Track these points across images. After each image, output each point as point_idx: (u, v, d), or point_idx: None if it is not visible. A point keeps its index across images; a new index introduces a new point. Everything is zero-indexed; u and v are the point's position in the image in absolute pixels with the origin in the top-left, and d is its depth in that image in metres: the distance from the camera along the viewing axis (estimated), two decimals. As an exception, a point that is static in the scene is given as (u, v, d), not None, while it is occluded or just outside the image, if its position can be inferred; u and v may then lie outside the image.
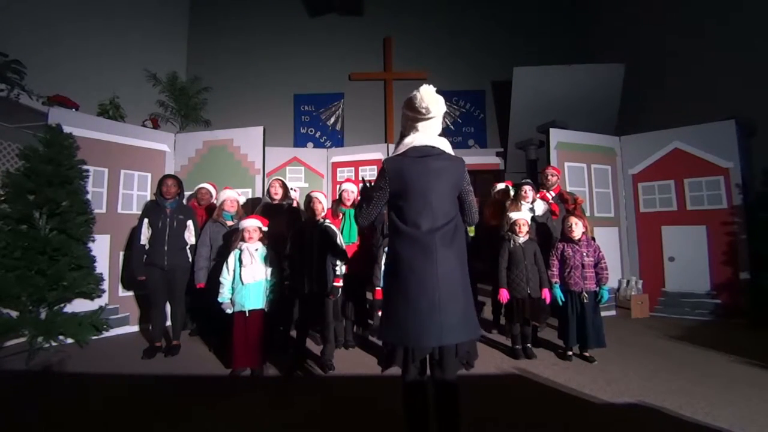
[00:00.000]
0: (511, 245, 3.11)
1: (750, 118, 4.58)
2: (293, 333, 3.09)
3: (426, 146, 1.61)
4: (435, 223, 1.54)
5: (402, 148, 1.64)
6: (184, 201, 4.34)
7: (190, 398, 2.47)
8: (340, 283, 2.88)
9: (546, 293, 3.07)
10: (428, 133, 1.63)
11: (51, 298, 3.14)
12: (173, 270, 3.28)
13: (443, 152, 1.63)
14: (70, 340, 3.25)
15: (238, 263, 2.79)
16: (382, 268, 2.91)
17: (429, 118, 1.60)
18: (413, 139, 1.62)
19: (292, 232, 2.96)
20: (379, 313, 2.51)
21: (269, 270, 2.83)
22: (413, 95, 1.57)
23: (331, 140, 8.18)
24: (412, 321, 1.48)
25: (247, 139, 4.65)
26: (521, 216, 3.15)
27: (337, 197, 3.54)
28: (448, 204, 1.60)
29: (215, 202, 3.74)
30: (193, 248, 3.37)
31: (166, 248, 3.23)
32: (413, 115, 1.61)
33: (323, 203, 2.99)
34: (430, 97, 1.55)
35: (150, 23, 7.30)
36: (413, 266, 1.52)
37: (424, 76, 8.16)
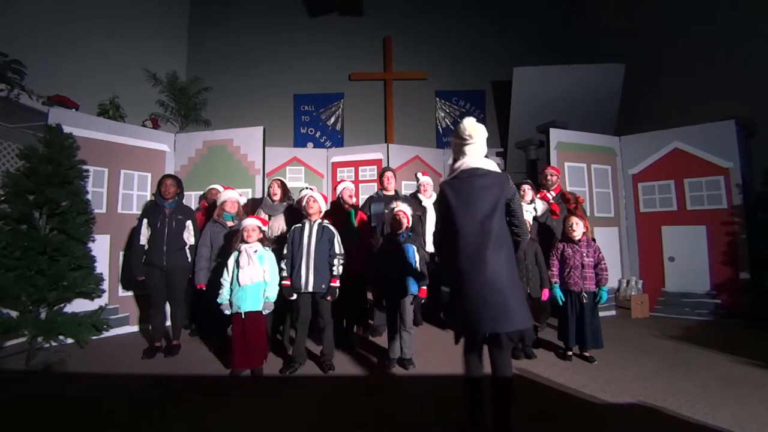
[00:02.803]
0: (512, 245, 3.11)
1: (750, 118, 4.58)
2: (292, 333, 3.09)
3: (473, 168, 1.92)
4: (483, 232, 1.82)
5: (454, 172, 1.98)
6: (193, 200, 4.35)
7: (190, 398, 2.47)
8: (338, 284, 2.89)
9: (545, 293, 3.07)
10: (474, 156, 1.94)
11: (51, 298, 3.14)
12: (172, 270, 3.28)
13: (489, 171, 1.92)
14: (70, 340, 3.25)
15: (235, 265, 2.80)
16: (383, 268, 2.91)
17: (472, 143, 1.93)
18: (462, 163, 1.95)
19: (291, 232, 2.96)
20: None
21: (268, 271, 2.83)
22: (459, 125, 1.93)
23: (331, 140, 8.18)
24: (468, 313, 1.81)
25: (247, 139, 4.65)
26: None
27: (337, 198, 3.53)
28: (494, 215, 1.84)
29: None
30: (193, 248, 3.37)
31: (164, 248, 3.23)
32: (459, 142, 1.96)
33: (320, 202, 2.99)
34: (471, 126, 1.91)
35: (150, 23, 7.30)
36: (463, 270, 1.82)
37: (424, 76, 8.18)
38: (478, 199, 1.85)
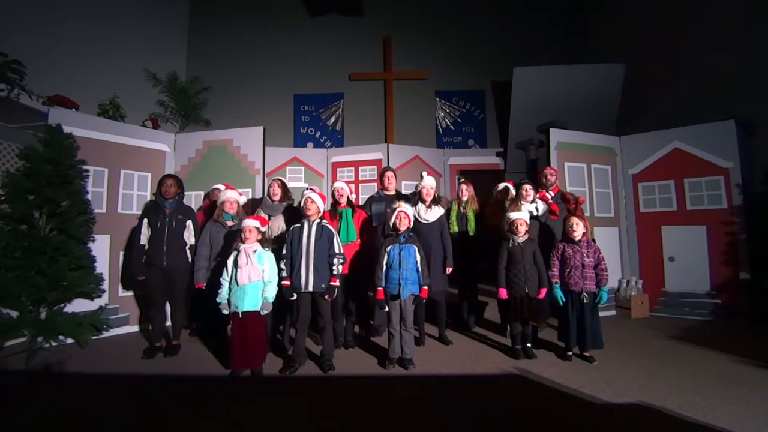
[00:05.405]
0: (510, 245, 3.11)
1: (750, 118, 4.58)
2: (292, 333, 3.09)
3: None
4: None
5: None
6: (193, 200, 4.34)
7: (190, 398, 2.47)
8: (337, 283, 2.88)
9: (543, 292, 3.07)
10: None
11: (51, 298, 3.14)
12: (172, 270, 3.27)
13: None
14: (70, 340, 3.25)
15: (233, 265, 2.79)
16: (384, 268, 2.91)
17: None
18: None
19: (290, 232, 2.96)
20: (386, 309, 2.87)
21: (266, 271, 2.83)
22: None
23: (331, 140, 8.19)
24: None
25: (247, 139, 4.65)
26: (520, 216, 3.14)
27: (334, 199, 3.53)
28: None
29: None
30: (193, 248, 3.37)
31: (165, 248, 3.23)
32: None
33: (318, 202, 2.98)
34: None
35: (150, 23, 7.31)
36: None
37: (424, 76, 8.18)
38: None
